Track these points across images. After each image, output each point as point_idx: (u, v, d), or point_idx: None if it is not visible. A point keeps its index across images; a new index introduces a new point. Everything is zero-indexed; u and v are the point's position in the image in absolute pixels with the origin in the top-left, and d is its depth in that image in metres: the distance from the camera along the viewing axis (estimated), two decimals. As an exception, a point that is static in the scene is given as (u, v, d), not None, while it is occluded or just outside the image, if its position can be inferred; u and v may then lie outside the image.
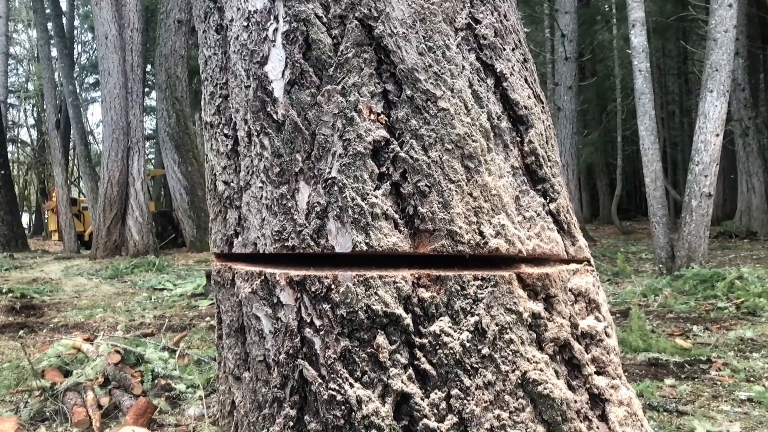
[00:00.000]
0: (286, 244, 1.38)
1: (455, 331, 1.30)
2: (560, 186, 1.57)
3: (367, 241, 1.30)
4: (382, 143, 1.34)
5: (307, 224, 1.35)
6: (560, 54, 13.38)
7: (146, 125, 19.83)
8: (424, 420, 1.27)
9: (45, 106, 20.08)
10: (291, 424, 1.36)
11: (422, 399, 1.28)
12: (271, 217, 1.41)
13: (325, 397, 1.31)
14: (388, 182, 1.33)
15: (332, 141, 1.35)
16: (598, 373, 1.44)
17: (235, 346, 1.52)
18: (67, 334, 4.69)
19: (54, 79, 17.12)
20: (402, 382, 1.28)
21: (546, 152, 1.55)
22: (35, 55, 29.87)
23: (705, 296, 5.51)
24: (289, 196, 1.38)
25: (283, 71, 1.40)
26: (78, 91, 20.92)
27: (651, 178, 7.44)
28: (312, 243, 1.34)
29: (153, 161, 26.72)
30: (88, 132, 23.87)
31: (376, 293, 1.29)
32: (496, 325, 1.31)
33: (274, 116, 1.41)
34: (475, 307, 1.31)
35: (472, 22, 1.46)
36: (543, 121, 1.59)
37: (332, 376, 1.31)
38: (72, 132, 17.99)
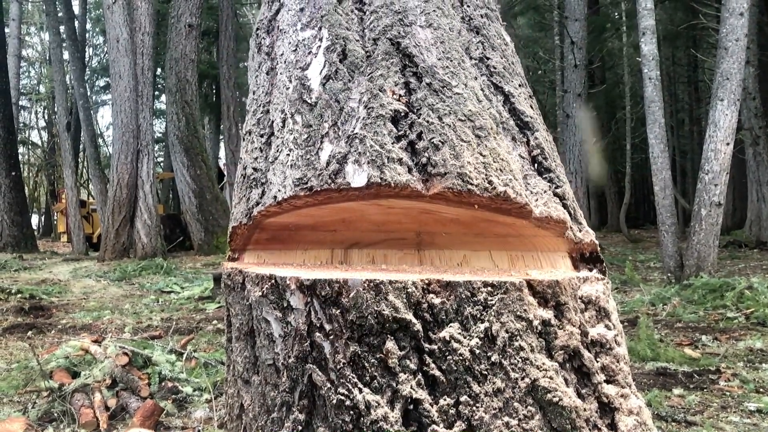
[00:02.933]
0: (305, 186, 1.44)
1: (465, 338, 1.29)
2: (565, 180, 1.63)
3: (381, 176, 1.38)
4: (402, 114, 1.48)
5: (326, 168, 1.44)
6: (569, 61, 13.36)
7: (156, 128, 19.93)
8: (433, 426, 1.27)
9: (56, 109, 20.24)
10: (299, 428, 1.36)
11: (431, 405, 1.28)
12: (293, 171, 1.49)
13: (334, 401, 1.31)
14: (406, 141, 1.46)
15: (358, 110, 1.49)
16: (607, 381, 1.44)
17: (244, 349, 1.53)
18: (75, 336, 4.71)
19: (65, 82, 17.26)
20: (411, 387, 1.28)
21: (551, 153, 1.65)
22: (47, 57, 30.16)
23: (714, 306, 5.47)
24: (313, 153, 1.49)
25: (321, 70, 1.60)
26: (89, 93, 21.09)
27: (660, 187, 7.41)
28: (329, 181, 1.42)
29: (162, 164, 26.83)
30: (98, 134, 24.03)
31: (386, 298, 1.29)
32: (506, 332, 1.31)
33: (309, 101, 1.57)
34: (485, 313, 1.31)
35: (484, 57, 1.70)
36: (548, 134, 1.72)
37: (341, 380, 1.31)
38: (82, 134, 18.12)
